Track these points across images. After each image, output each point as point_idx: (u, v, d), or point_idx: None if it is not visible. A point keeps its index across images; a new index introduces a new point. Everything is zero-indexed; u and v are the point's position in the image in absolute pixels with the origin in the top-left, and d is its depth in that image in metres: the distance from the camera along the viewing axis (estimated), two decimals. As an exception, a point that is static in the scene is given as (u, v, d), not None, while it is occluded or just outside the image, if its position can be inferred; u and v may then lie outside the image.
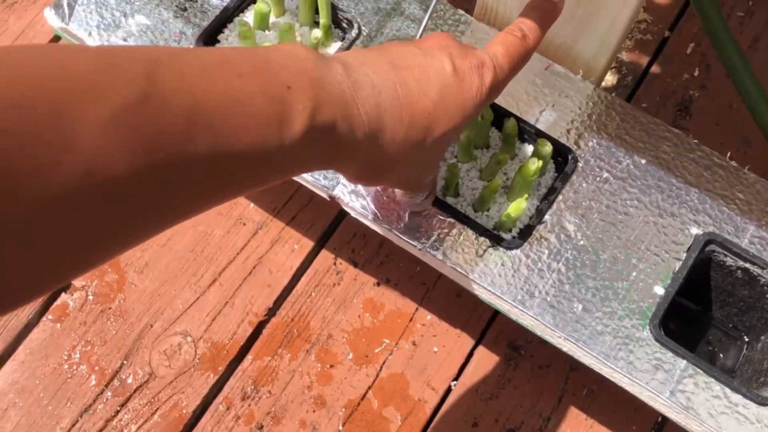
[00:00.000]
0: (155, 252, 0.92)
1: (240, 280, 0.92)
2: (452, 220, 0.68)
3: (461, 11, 0.77)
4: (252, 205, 0.95)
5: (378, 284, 0.92)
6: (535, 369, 0.89)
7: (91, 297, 0.90)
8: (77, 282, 0.91)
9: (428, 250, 0.67)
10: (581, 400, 0.87)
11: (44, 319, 0.89)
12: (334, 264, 0.93)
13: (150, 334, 0.89)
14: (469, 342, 0.90)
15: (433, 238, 0.67)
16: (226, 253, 0.93)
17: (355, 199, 0.69)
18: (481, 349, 0.90)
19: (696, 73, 1.03)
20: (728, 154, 0.73)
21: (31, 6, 1.04)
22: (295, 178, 0.72)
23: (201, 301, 0.91)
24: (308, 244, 0.94)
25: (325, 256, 0.93)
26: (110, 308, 0.90)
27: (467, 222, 0.68)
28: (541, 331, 0.66)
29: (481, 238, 0.68)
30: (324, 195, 0.71)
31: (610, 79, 1.03)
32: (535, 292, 0.66)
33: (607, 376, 0.66)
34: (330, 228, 0.95)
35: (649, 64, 1.04)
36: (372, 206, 0.68)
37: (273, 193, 0.95)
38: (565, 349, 0.66)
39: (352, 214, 0.70)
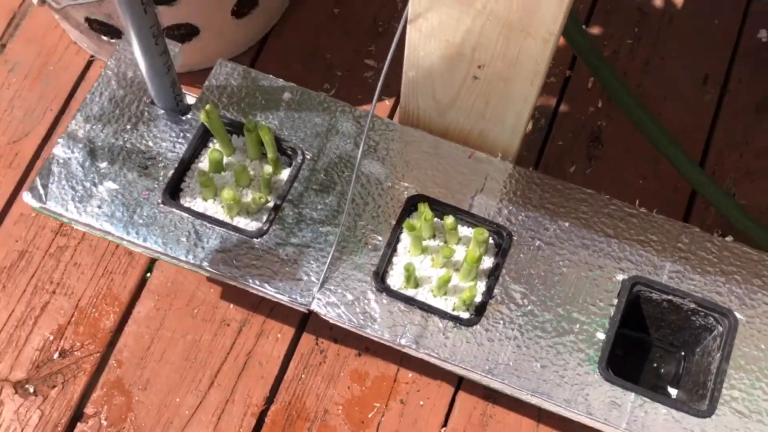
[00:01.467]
0: (153, 368, 1.01)
1: (235, 377, 1.01)
2: (418, 311, 0.79)
3: (388, 120, 0.87)
4: (231, 305, 1.04)
5: (359, 354, 1.02)
6: (511, 402, 1.00)
7: (104, 422, 0.99)
8: (88, 410, 0.99)
9: (401, 342, 0.78)
10: (556, 422, 0.98)
11: (66, 452, 0.97)
12: (317, 344, 1.03)
13: (165, 443, 0.98)
14: (450, 390, 1.01)
15: (404, 329, 0.78)
16: (218, 355, 1.02)
17: (332, 310, 0.79)
18: (461, 394, 1.00)
19: (600, 105, 1.15)
20: (637, 202, 0.85)
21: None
22: (272, 299, 0.81)
23: (204, 404, 1.00)
24: (290, 331, 1.03)
25: (307, 339, 1.03)
26: (124, 428, 0.99)
27: (430, 310, 0.78)
28: (510, 392, 0.77)
29: (445, 321, 0.78)
30: (303, 310, 0.81)
31: (526, 124, 1.14)
32: (498, 359, 0.77)
33: (573, 418, 0.77)
34: (306, 312, 1.04)
35: (558, 104, 1.16)
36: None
37: (248, 293, 1.04)
38: (533, 402, 0.77)
39: (331, 321, 0.80)
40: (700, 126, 1.14)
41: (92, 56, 1.16)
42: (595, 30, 1.20)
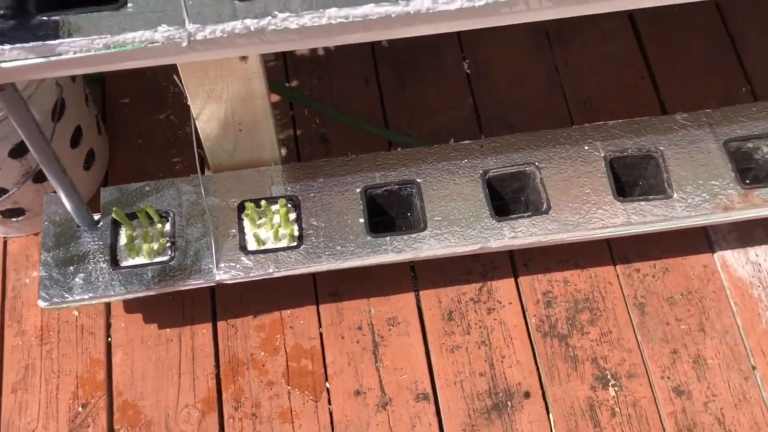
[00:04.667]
0: (139, 384, 1.60)
1: (191, 364, 1.62)
2: (274, 254, 1.45)
3: (207, 174, 1.54)
4: (168, 328, 1.65)
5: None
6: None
7: (129, 429, 1.57)
8: (116, 426, 1.57)
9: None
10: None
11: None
12: (227, 323, 1.66)
13: None
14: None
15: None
16: (186, 357, 1.63)
17: (236, 274, 1.44)
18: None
19: (318, 121, 1.87)
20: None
21: None
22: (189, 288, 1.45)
23: (182, 388, 1.60)
24: (208, 326, 1.66)
25: (221, 324, 1.66)
26: (141, 424, 1.57)
27: (277, 251, 1.46)
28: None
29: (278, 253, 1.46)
30: (212, 284, 1.45)
31: (282, 151, 1.84)
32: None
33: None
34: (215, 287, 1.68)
35: (294, 131, 1.87)
36: None
37: (168, 321, 1.66)
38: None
39: (241, 281, 1.45)
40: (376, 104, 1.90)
41: (5, 237, 1.74)
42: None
